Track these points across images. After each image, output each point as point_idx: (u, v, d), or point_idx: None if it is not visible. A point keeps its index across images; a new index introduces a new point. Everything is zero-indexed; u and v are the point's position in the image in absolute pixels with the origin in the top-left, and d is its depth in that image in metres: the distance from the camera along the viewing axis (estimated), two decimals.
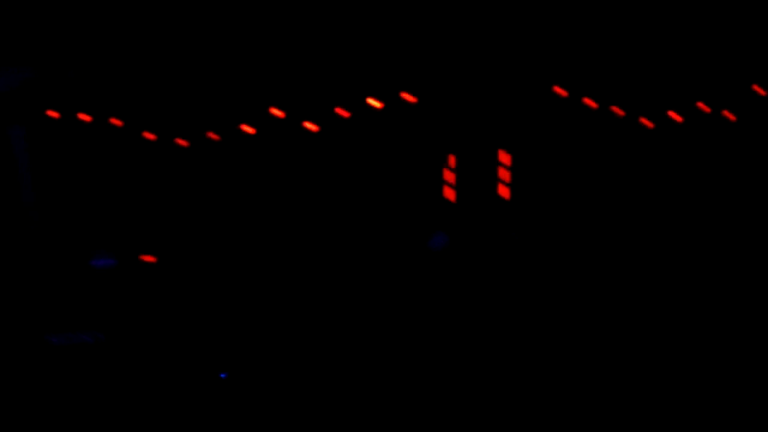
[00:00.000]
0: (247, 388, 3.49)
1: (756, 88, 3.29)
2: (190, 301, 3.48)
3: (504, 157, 3.41)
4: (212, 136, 3.53)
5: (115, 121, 3.51)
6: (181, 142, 3.51)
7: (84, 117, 3.51)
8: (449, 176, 3.40)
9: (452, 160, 3.39)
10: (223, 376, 3.47)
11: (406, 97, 3.46)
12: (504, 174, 3.42)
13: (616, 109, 3.37)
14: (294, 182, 3.47)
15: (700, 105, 3.38)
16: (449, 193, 3.37)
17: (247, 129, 3.51)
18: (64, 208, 3.47)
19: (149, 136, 3.51)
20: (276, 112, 3.51)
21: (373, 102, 3.44)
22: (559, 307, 3.45)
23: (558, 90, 3.38)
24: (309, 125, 3.49)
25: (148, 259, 3.48)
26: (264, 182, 3.48)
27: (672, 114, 3.39)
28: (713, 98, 3.41)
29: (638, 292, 3.50)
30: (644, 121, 3.37)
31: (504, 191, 3.40)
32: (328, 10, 3.44)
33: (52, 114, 3.47)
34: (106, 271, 3.38)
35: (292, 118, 3.50)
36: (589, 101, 3.39)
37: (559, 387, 3.50)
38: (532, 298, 3.45)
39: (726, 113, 3.38)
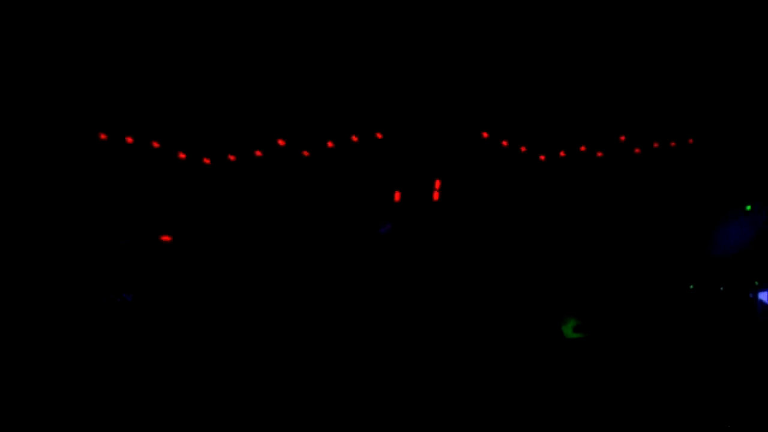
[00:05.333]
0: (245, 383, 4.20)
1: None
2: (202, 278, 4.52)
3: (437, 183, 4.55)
4: (230, 157, 4.66)
5: (155, 144, 4.63)
6: (206, 161, 4.64)
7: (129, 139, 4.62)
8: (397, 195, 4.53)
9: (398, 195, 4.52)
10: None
11: (378, 135, 4.61)
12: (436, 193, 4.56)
13: (523, 149, 4.53)
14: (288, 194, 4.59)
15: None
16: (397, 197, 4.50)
17: (258, 153, 4.65)
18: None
19: (182, 155, 4.64)
20: (281, 141, 4.65)
21: (354, 138, 4.60)
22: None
23: (484, 135, 4.54)
24: (305, 153, 4.64)
25: (166, 239, 4.57)
26: (266, 193, 4.60)
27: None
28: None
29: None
30: (542, 157, 4.52)
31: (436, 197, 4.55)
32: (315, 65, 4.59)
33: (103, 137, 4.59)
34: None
35: (292, 146, 4.65)
36: (504, 143, 4.55)
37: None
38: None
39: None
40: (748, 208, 4.10)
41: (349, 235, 4.45)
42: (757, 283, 4.03)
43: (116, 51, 4.54)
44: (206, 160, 4.59)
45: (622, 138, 4.40)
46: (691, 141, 4.34)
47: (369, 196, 4.46)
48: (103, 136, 4.56)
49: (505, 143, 4.44)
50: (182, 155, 4.61)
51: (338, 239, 4.45)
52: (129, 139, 4.56)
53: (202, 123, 4.58)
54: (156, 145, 4.58)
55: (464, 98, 4.44)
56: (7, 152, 4.53)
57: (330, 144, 4.56)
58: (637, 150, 4.39)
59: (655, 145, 4.39)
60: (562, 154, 4.38)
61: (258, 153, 4.57)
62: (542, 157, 4.42)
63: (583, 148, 4.37)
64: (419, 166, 4.48)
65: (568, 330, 4.15)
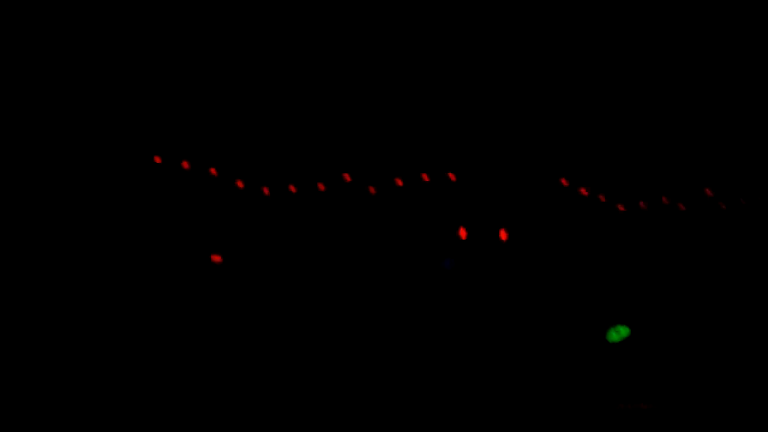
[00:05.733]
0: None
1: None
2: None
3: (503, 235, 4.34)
4: (291, 188, 4.44)
5: (213, 171, 4.43)
6: (265, 191, 4.42)
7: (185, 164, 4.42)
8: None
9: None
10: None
11: (450, 175, 4.42)
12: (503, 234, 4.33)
13: (588, 193, 4.33)
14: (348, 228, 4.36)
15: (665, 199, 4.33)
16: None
17: (321, 186, 4.43)
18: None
19: (240, 184, 4.42)
20: (346, 176, 4.45)
21: (425, 177, 4.40)
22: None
23: (563, 181, 4.37)
24: (371, 189, 4.42)
25: (216, 259, 4.28)
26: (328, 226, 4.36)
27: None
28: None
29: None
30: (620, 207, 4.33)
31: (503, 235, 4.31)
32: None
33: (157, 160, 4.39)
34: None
35: (357, 182, 4.44)
36: (583, 191, 4.36)
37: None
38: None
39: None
40: None
41: (408, 269, 4.21)
42: None
43: (179, 78, 4.44)
44: (265, 191, 4.38)
45: (708, 192, 4.25)
46: None
47: (433, 231, 4.25)
48: (158, 160, 4.38)
49: (584, 192, 4.27)
50: (240, 184, 4.40)
51: (396, 273, 4.20)
52: (185, 165, 4.37)
53: (265, 152, 4.41)
54: (214, 172, 4.38)
55: (546, 143, 4.32)
56: (61, 172, 4.36)
57: (399, 182, 4.37)
58: (722, 205, 4.23)
59: (743, 202, 4.24)
60: (642, 205, 4.21)
61: (321, 186, 4.37)
62: (621, 207, 4.24)
63: (665, 200, 4.20)
64: (490, 206, 4.29)
65: (614, 335, 3.94)
